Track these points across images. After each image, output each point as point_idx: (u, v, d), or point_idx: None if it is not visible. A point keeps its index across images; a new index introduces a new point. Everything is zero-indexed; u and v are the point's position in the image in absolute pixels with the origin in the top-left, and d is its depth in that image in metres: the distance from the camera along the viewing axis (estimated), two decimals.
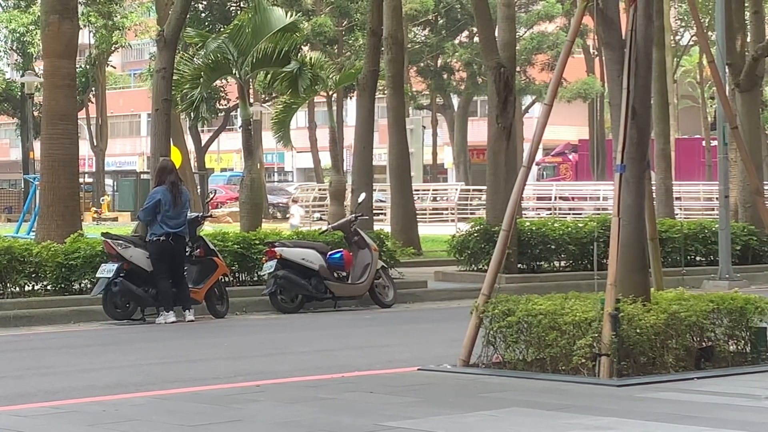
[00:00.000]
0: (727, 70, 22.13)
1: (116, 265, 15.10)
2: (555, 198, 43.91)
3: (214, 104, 48.24)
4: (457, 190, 45.46)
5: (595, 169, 57.52)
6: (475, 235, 19.85)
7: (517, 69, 41.88)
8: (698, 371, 9.69)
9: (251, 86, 41.78)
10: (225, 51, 23.01)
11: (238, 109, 26.11)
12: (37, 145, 29.89)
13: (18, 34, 53.32)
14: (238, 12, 44.15)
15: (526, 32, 53.97)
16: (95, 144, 60.00)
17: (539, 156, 59.23)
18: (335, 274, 16.95)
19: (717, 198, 23.54)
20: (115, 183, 55.65)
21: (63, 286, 15.92)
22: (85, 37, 52.98)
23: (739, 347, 10.21)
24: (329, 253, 17.02)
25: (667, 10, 43.09)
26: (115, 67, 74.09)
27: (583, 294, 10.31)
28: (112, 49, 56.19)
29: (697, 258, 21.90)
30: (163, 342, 13.40)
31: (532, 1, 55.61)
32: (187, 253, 15.60)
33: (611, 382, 9.13)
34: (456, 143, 60.59)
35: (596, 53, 55.25)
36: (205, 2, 49.27)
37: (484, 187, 24.04)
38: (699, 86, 63.29)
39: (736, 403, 8.48)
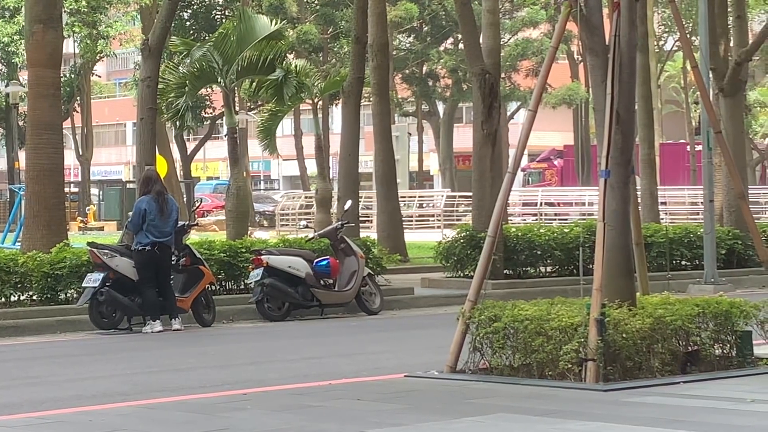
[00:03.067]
0: (710, 75, 22.19)
1: (102, 274, 15.08)
2: (541, 204, 43.93)
3: (199, 113, 48.13)
4: (443, 196, 45.47)
5: (581, 175, 57.62)
6: (462, 241, 19.86)
7: (502, 75, 41.97)
8: (684, 375, 9.72)
9: (237, 94, 41.74)
10: (210, 59, 22.99)
11: (224, 118, 26.11)
12: (22, 155, 29.82)
13: (2, 44, 53.20)
14: (223, 20, 44.14)
15: (510, 39, 54.05)
16: (81, 153, 59.89)
17: (524, 162, 59.34)
18: (322, 282, 16.94)
19: (702, 202, 23.61)
20: (100, 192, 55.58)
21: (49, 296, 15.88)
22: (69, 46, 52.85)
23: (724, 351, 10.24)
24: (316, 260, 17.01)
25: (651, 15, 43.22)
26: (100, 77, 74.04)
27: (569, 299, 10.33)
28: (97, 58, 56.07)
29: (683, 262, 21.95)
30: (149, 351, 13.38)
31: (517, 7, 55.69)
32: (173, 262, 15.59)
33: (598, 387, 9.15)
34: (442, 150, 60.64)
35: (580, 59, 55.35)
36: (190, 11, 49.22)
37: (470, 194, 24.07)
38: (683, 91, 63.47)
39: (723, 406, 8.50)
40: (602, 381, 9.24)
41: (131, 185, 47.03)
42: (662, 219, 28.36)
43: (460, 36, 44.20)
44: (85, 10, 49.81)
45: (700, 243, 21.13)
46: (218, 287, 17.11)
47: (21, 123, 45.30)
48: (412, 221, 41.71)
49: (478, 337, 9.95)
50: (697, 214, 36.02)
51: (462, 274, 19.87)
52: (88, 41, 52.13)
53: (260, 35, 23.11)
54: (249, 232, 23.76)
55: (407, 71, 56.07)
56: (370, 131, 29.05)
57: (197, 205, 34.75)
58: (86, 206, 53.40)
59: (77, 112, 58.99)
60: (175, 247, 15.55)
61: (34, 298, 15.93)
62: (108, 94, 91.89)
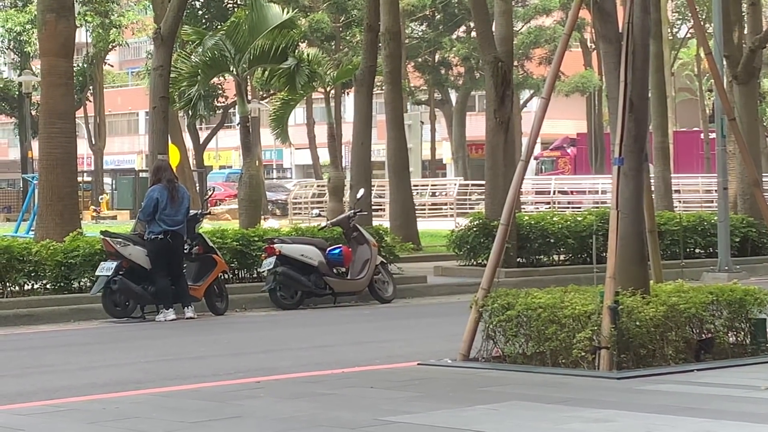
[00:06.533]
0: (724, 63, 22.11)
1: (115, 263, 15.10)
2: (554, 192, 43.88)
3: (211, 102, 48.16)
4: (455, 185, 45.46)
5: (594, 163, 57.52)
6: (474, 229, 19.84)
7: (515, 63, 41.85)
8: (698, 363, 9.70)
9: (249, 83, 41.75)
10: (222, 48, 23.01)
11: (236, 107, 26.11)
12: (35, 145, 29.89)
13: (15, 33, 53.29)
14: (235, 9, 44.11)
15: (523, 26, 54.01)
16: (93, 143, 60.00)
17: (537, 150, 59.25)
18: (334, 270, 16.94)
19: (716, 190, 23.54)
20: (113, 181, 55.65)
21: (62, 284, 15.92)
22: (82, 35, 52.95)
23: (738, 339, 10.22)
24: (328, 249, 17.01)
25: (664, 2, 43.10)
26: (112, 66, 74.06)
27: (582, 287, 10.30)
28: (110, 47, 56.15)
29: (697, 250, 21.90)
30: (162, 339, 13.41)
31: None
32: (186, 251, 15.60)
33: (611, 375, 9.13)
34: (454, 138, 60.60)
35: (593, 47, 55.23)
36: (201, 0, 49.22)
37: (483, 182, 24.05)
38: (697, 79, 63.28)
39: (736, 394, 8.48)
40: (616, 369, 9.22)
41: (144, 174, 47.09)
42: (676, 207, 28.29)
43: (472, 24, 44.14)
44: None
45: (713, 231, 21.07)
46: (231, 276, 17.12)
47: (34, 112, 45.40)
48: (424, 210, 41.71)
49: (491, 325, 9.95)
50: (711, 201, 35.94)
51: (475, 263, 19.86)
52: (101, 30, 52.23)
53: (272, 24, 23.13)
54: (261, 221, 23.79)
55: (420, 59, 56.04)
56: (382, 120, 29.02)
57: (210, 194, 34.60)
58: (99, 195, 53.49)
59: (90, 101, 59.09)
60: (187, 235, 15.57)
61: (48, 286, 15.96)
62: (120, 83, 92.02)
